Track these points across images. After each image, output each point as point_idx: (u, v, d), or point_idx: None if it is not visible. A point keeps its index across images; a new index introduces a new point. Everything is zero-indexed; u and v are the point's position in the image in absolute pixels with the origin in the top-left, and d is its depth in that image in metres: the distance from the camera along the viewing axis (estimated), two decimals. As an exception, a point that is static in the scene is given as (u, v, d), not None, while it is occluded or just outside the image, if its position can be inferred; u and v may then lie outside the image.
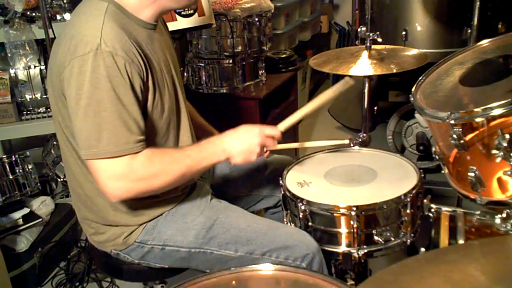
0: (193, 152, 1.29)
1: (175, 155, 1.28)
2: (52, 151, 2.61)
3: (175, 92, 1.37)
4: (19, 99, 2.46)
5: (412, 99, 1.42)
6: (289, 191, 1.46)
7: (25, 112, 2.49)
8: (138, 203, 1.34)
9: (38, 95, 2.46)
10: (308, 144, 1.77)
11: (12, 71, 2.41)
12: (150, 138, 1.27)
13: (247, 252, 1.35)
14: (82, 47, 1.15)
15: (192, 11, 2.18)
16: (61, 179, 2.59)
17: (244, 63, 2.52)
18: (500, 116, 1.15)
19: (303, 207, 1.40)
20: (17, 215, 2.20)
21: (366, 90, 1.99)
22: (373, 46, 1.90)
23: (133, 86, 1.19)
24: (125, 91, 1.17)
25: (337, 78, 4.58)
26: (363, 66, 1.81)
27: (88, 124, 1.16)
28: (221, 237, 1.36)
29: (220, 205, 1.45)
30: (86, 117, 1.16)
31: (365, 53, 1.87)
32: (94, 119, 1.16)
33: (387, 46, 1.98)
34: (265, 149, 1.38)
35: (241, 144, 1.31)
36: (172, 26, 2.08)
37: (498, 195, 1.26)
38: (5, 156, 2.22)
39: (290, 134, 2.96)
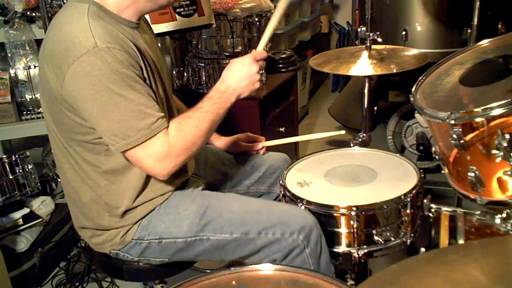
0: (210, 106, 1.32)
1: (197, 115, 1.30)
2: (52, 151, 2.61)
3: (164, 89, 1.37)
4: (19, 99, 2.47)
5: (412, 99, 1.42)
6: (289, 191, 1.46)
7: (25, 112, 2.49)
8: (131, 205, 1.35)
9: (38, 95, 2.46)
10: (305, 137, 1.77)
11: (12, 71, 2.41)
12: None
13: (243, 232, 1.34)
14: (76, 49, 1.15)
15: (192, 11, 2.17)
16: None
17: (244, 63, 2.52)
18: (500, 116, 1.15)
19: (303, 207, 1.40)
20: (17, 215, 2.20)
21: (366, 90, 1.99)
22: (373, 46, 1.90)
23: (137, 72, 1.21)
24: (134, 77, 1.19)
25: (338, 77, 4.59)
26: (363, 66, 1.81)
27: (114, 118, 1.18)
28: (215, 221, 1.36)
29: (211, 193, 1.45)
30: (110, 113, 1.17)
31: (365, 53, 1.87)
32: (119, 111, 1.17)
33: (387, 46, 1.98)
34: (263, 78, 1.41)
35: (244, 79, 1.36)
36: (172, 26, 2.08)
37: (498, 195, 1.26)
38: (5, 156, 2.23)
39: (291, 134, 2.96)
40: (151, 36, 1.44)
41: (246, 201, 1.42)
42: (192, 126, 1.28)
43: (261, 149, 1.70)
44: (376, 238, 1.39)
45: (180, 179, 1.42)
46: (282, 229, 1.34)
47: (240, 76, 1.36)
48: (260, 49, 1.43)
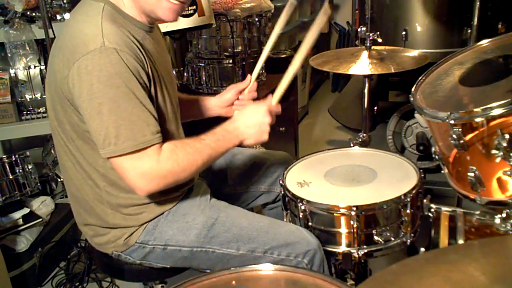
0: (212, 141, 1.31)
1: (197, 145, 1.29)
2: (52, 151, 2.61)
3: (168, 95, 1.36)
4: (19, 99, 2.46)
5: (412, 99, 1.42)
6: (289, 191, 1.46)
7: (25, 112, 2.49)
8: (138, 205, 1.35)
9: (38, 95, 2.46)
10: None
11: (12, 71, 2.41)
12: None
13: (249, 250, 1.36)
14: (84, 47, 1.15)
15: (192, 11, 2.17)
16: (61, 179, 2.59)
17: (244, 63, 2.52)
18: (500, 116, 1.15)
19: (303, 207, 1.41)
20: (17, 215, 2.20)
21: (366, 90, 2.00)
22: (373, 47, 1.91)
23: (140, 80, 1.19)
24: (135, 84, 1.18)
25: (338, 77, 4.59)
26: (363, 66, 1.82)
27: (104, 122, 1.16)
28: (222, 235, 1.36)
29: (220, 204, 1.45)
30: (101, 116, 1.16)
31: (365, 53, 1.87)
32: (110, 117, 1.16)
33: (387, 47, 1.98)
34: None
35: (253, 127, 1.35)
36: (172, 26, 2.08)
37: (497, 195, 1.26)
38: (5, 156, 2.23)
39: (291, 134, 2.97)
40: (162, 42, 1.44)
41: (254, 218, 1.42)
42: (187, 154, 1.26)
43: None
44: (376, 238, 1.39)
45: (188, 184, 1.42)
46: (288, 250, 1.35)
47: (251, 122, 1.34)
48: (275, 103, 1.40)
